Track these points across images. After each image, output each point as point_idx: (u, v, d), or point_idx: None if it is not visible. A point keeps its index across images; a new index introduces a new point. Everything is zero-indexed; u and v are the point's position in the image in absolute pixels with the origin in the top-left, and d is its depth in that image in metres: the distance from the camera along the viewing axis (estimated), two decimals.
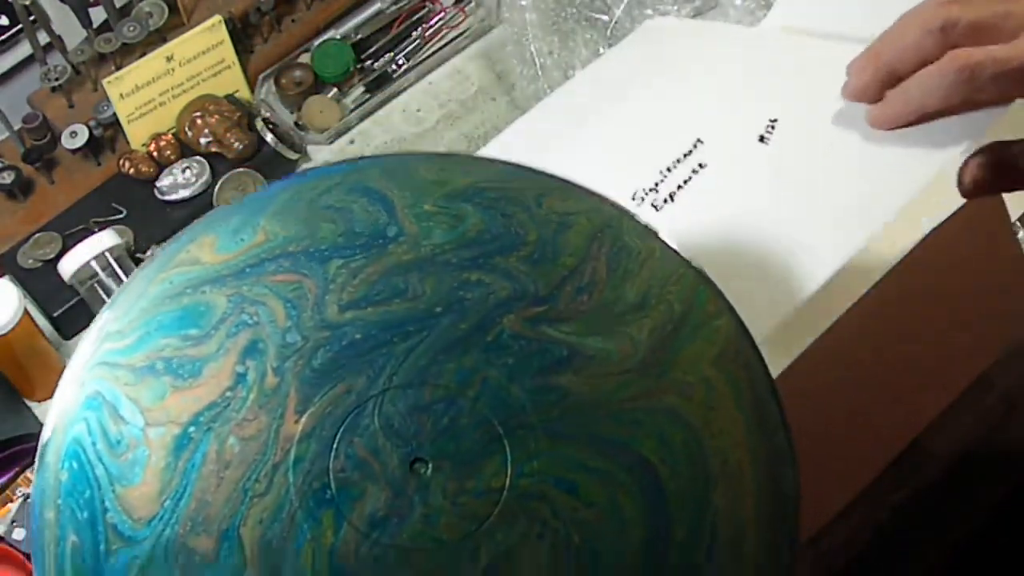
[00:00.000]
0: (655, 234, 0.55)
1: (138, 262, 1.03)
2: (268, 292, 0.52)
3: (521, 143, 0.80)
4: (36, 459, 0.52)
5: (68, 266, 0.99)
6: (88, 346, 0.53)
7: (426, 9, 1.18)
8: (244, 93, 1.14)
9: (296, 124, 1.14)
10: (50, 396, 1.01)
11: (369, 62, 1.17)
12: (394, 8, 1.18)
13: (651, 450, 0.50)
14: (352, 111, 1.14)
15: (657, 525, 0.50)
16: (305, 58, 1.15)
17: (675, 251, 0.55)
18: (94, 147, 1.09)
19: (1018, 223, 0.90)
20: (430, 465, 0.50)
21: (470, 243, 0.54)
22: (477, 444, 0.50)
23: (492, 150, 0.82)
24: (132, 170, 1.08)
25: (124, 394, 0.51)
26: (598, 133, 0.77)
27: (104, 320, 0.53)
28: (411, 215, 0.54)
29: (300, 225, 0.54)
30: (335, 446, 0.50)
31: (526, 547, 0.49)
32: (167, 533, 0.49)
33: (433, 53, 1.17)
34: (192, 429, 0.50)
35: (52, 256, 1.03)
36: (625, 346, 0.52)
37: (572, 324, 0.52)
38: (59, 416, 0.52)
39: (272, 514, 0.49)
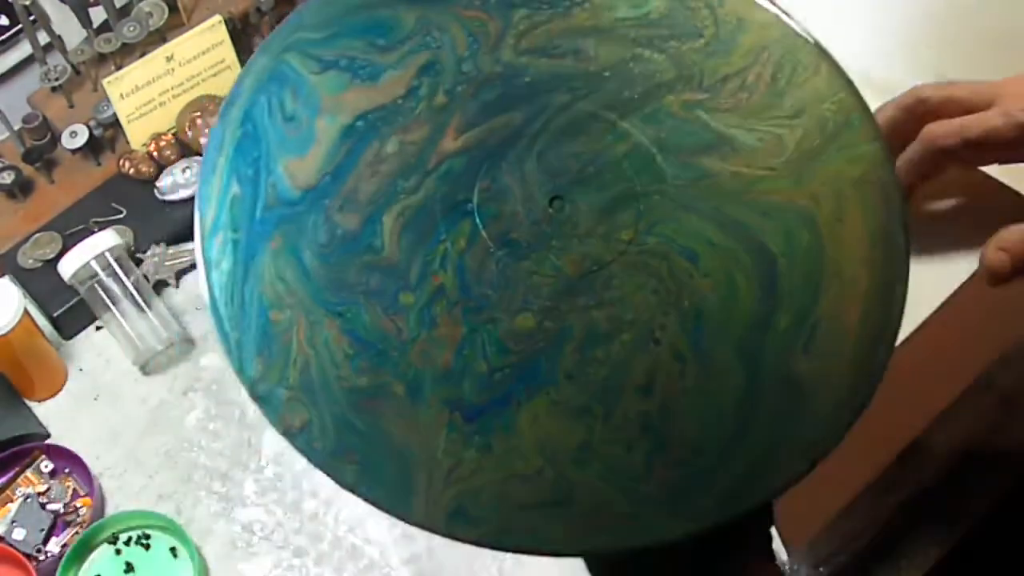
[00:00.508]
0: (827, 55, 0.58)
1: (138, 262, 1.03)
2: (455, 21, 0.57)
3: None
4: (219, 115, 0.57)
5: (68, 266, 0.99)
6: (284, 30, 0.58)
7: None
8: None
9: None
10: (50, 396, 1.02)
11: None
12: None
13: (775, 242, 0.54)
14: None
15: (763, 309, 0.54)
16: None
17: (843, 74, 0.58)
18: (94, 147, 1.09)
19: None
20: (568, 204, 0.55)
21: (650, 23, 0.58)
22: (615, 196, 0.55)
23: None
24: (132, 170, 1.08)
25: (309, 80, 0.56)
26: None
27: (302, 13, 0.58)
28: None
29: None
30: (485, 167, 0.55)
31: (638, 297, 0.53)
32: (320, 204, 0.54)
33: None
34: (360, 123, 0.55)
35: (52, 256, 1.03)
36: (773, 146, 0.56)
37: (727, 115, 0.56)
38: (250, 79, 0.57)
39: (416, 211, 0.54)
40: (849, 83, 0.58)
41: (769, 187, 0.55)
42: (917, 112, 0.65)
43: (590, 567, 0.58)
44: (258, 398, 0.53)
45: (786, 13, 0.59)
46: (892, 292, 0.55)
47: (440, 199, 0.54)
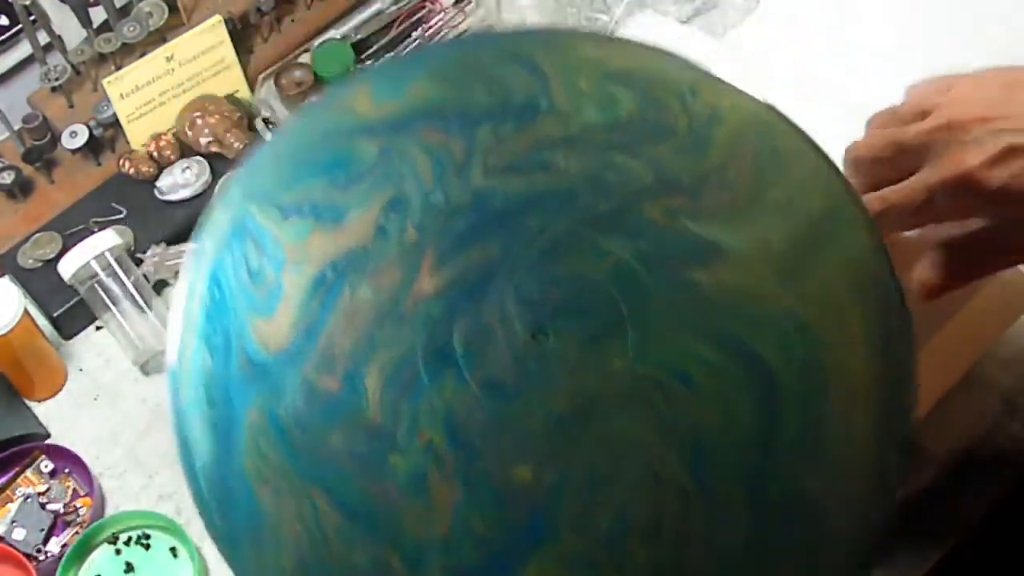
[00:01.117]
0: (807, 138, 0.55)
1: (138, 262, 1.03)
2: (417, 149, 0.53)
3: None
4: (184, 269, 0.53)
5: (68, 266, 0.99)
6: (242, 175, 0.54)
7: (426, 9, 1.18)
8: (244, 93, 1.14)
9: None
10: (50, 396, 1.02)
11: (369, 62, 1.17)
12: (394, 8, 1.18)
13: (770, 352, 0.51)
14: None
15: (764, 426, 0.50)
16: (305, 58, 1.15)
17: (826, 158, 0.54)
18: (94, 147, 1.09)
19: None
20: (553, 337, 0.51)
21: (620, 127, 0.53)
22: (602, 324, 0.51)
23: None
24: (132, 170, 1.08)
25: (271, 230, 0.52)
26: None
27: (258, 156, 0.55)
28: (565, 91, 0.54)
29: (455, 86, 0.54)
30: (463, 307, 0.51)
31: (634, 431, 0.50)
32: (295, 366, 0.50)
33: None
34: (329, 272, 0.51)
35: (52, 256, 1.03)
36: (760, 249, 0.52)
37: (710, 219, 0.52)
38: (211, 238, 0.53)
39: (396, 364, 0.50)
40: (832, 166, 0.55)
41: (758, 294, 0.52)
42: (860, 170, 0.62)
43: None
44: None
45: (757, 97, 0.56)
46: (900, 391, 0.52)
47: (421, 348, 0.50)
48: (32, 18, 1.06)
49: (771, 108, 0.56)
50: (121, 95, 1.06)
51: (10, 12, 1.08)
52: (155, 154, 1.09)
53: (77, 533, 0.92)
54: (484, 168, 0.53)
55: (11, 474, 0.95)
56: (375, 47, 1.17)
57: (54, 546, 0.92)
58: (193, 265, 0.53)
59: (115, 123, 1.09)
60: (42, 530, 0.92)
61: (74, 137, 1.07)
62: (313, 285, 0.51)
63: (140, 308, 1.00)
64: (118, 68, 1.08)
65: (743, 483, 0.49)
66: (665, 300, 0.51)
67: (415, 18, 1.18)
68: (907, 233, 0.64)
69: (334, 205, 0.52)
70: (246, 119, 1.10)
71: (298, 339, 0.51)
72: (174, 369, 0.52)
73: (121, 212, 1.07)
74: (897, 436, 0.51)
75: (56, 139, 1.08)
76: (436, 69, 0.55)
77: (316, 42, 1.15)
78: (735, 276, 0.52)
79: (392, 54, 1.16)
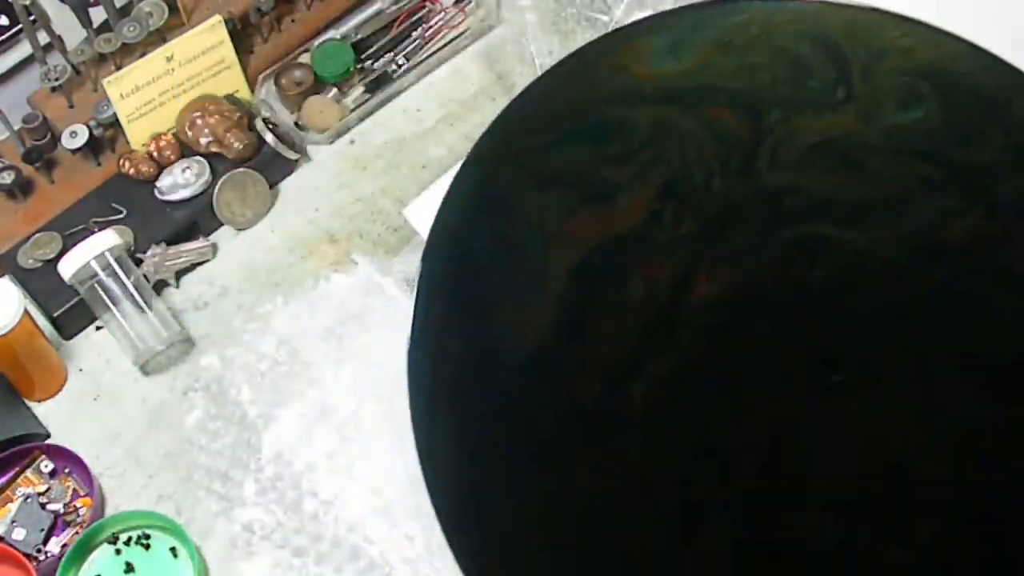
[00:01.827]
0: None
1: (138, 262, 1.03)
2: (698, 127, 0.45)
3: None
4: (428, 242, 0.44)
5: (68, 266, 0.99)
6: (496, 130, 0.46)
7: (426, 9, 1.18)
8: (244, 93, 1.14)
9: (296, 124, 1.14)
10: (50, 396, 1.02)
11: (369, 62, 1.17)
12: (394, 8, 1.18)
13: None
14: (352, 111, 1.14)
15: None
16: (305, 58, 1.15)
17: None
18: (94, 147, 1.09)
19: None
20: (843, 369, 0.42)
21: (925, 132, 0.46)
22: (896, 359, 0.42)
23: None
24: (132, 170, 1.08)
25: (529, 199, 0.45)
26: None
27: (517, 107, 0.47)
28: (866, 81, 0.47)
29: (744, 59, 0.47)
30: (747, 321, 0.43)
31: (930, 489, 0.41)
32: (547, 373, 0.43)
33: (433, 53, 1.17)
34: (596, 259, 0.44)
35: (52, 256, 1.03)
36: None
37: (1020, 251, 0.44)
38: (458, 196, 0.45)
39: (666, 379, 0.42)
40: None
41: None
42: None
43: None
44: None
45: None
46: None
47: (697, 365, 0.43)
48: (32, 18, 1.06)
49: None
50: (121, 95, 1.06)
51: (10, 12, 1.08)
52: (155, 154, 1.09)
53: (77, 533, 0.92)
54: (773, 157, 0.45)
55: (11, 474, 0.95)
56: (375, 47, 1.17)
57: (54, 546, 0.92)
58: (439, 225, 0.45)
59: (115, 123, 1.09)
60: (42, 530, 0.92)
61: (74, 137, 1.07)
62: (576, 271, 0.44)
63: (140, 308, 1.00)
64: (118, 68, 1.08)
65: None
66: (961, 338, 0.44)
67: (415, 18, 1.18)
68: None
69: (602, 179, 0.45)
70: (246, 119, 1.10)
71: (553, 330, 0.43)
72: (414, 355, 0.44)
73: (121, 212, 1.07)
74: None
75: (56, 139, 1.08)
76: (720, 35, 0.47)
77: (316, 42, 1.15)
78: None
79: (391, 54, 1.16)
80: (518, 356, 0.43)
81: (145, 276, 1.03)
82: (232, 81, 1.13)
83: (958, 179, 0.45)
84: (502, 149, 0.46)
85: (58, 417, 1.00)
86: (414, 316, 0.46)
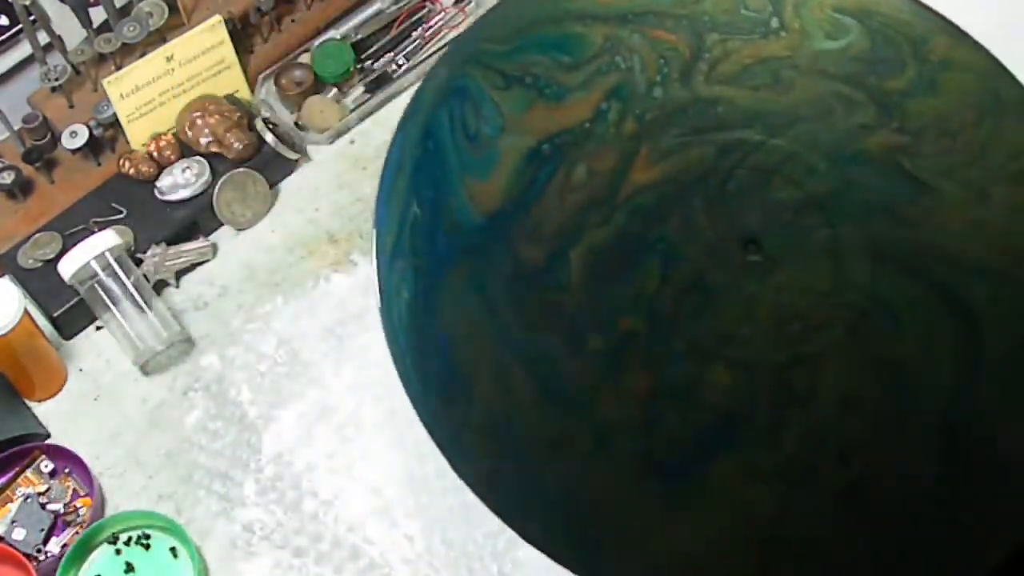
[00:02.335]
0: None
1: (138, 262, 1.03)
2: (645, 43, 0.54)
3: None
4: (397, 130, 0.53)
5: (68, 266, 0.99)
6: (465, 40, 0.55)
7: (426, 9, 1.18)
8: (244, 93, 1.14)
9: (296, 124, 1.14)
10: (50, 396, 1.02)
11: (369, 62, 1.17)
12: (394, 8, 1.18)
13: (977, 301, 0.50)
14: (352, 111, 1.14)
15: (965, 374, 0.50)
16: (305, 58, 1.15)
17: None
18: (94, 147, 1.09)
19: None
20: (765, 250, 0.51)
21: (849, 59, 0.54)
22: (813, 245, 0.51)
23: None
24: (132, 170, 1.08)
25: (491, 96, 0.53)
26: None
27: (484, 22, 0.55)
28: (797, 13, 0.55)
29: None
30: (676, 203, 0.51)
31: (832, 354, 0.50)
32: (505, 232, 0.51)
33: (433, 53, 1.17)
34: (546, 146, 0.52)
35: (52, 256, 1.03)
36: (979, 197, 0.51)
37: (930, 163, 0.52)
38: (430, 92, 0.53)
39: (604, 248, 0.51)
40: None
41: (976, 242, 0.51)
42: None
43: None
44: (439, 442, 0.49)
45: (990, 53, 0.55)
46: None
47: (630, 236, 0.51)
48: (32, 18, 1.06)
49: (999, 63, 0.55)
50: (121, 95, 1.06)
51: (10, 12, 1.08)
52: (155, 154, 1.09)
53: (77, 533, 0.92)
54: (709, 74, 0.53)
55: (11, 474, 0.95)
56: (375, 47, 1.17)
57: (54, 546, 0.92)
58: (409, 113, 0.54)
59: (115, 123, 1.09)
60: (42, 530, 0.92)
61: (74, 137, 1.07)
62: (529, 156, 0.52)
63: (140, 308, 1.00)
64: (118, 68, 1.08)
65: (937, 429, 0.49)
66: (880, 234, 0.51)
67: (415, 18, 1.18)
68: None
69: (557, 82, 0.53)
70: (246, 119, 1.10)
71: (509, 205, 0.52)
72: (380, 214, 0.52)
73: (121, 212, 1.07)
74: None
75: (56, 139, 1.08)
76: None
77: (316, 42, 1.15)
78: (949, 220, 0.51)
79: (391, 54, 1.17)
80: (474, 221, 0.51)
81: (145, 276, 1.03)
82: (232, 81, 1.13)
83: (875, 99, 0.53)
84: (471, 53, 0.54)
85: (58, 417, 1.00)
86: (381, 181, 0.53)
